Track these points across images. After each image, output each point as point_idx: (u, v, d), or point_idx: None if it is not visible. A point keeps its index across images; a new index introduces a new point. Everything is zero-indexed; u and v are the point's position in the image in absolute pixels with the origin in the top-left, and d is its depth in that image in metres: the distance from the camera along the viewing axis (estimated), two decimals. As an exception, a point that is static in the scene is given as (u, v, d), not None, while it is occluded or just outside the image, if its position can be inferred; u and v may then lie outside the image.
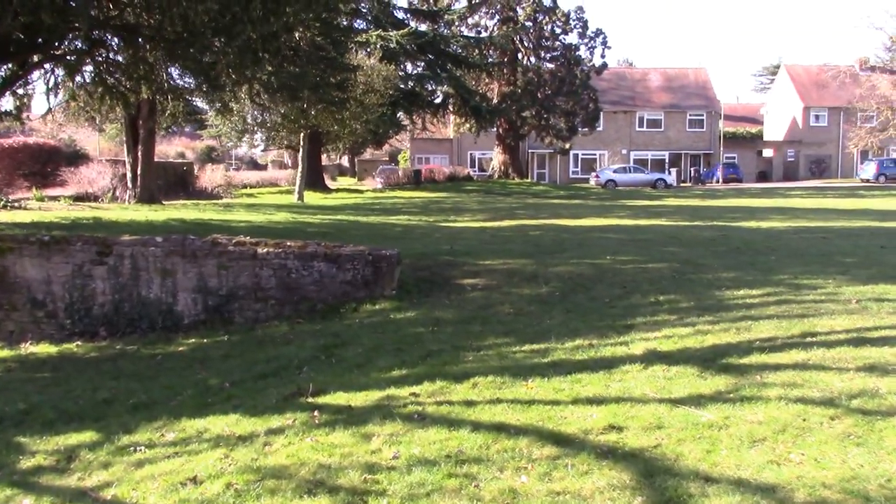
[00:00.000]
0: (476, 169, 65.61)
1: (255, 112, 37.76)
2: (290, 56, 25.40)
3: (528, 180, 57.48)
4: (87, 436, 8.07)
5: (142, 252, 12.95)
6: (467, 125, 52.98)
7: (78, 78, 23.09)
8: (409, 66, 45.13)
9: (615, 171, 57.92)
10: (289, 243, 12.95)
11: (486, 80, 52.29)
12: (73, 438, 8.04)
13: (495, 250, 16.39)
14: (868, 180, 58.63)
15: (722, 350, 8.24)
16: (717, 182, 62.71)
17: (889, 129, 50.52)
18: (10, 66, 20.37)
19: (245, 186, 50.18)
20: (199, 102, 37.70)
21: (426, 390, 7.95)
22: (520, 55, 53.21)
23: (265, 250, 12.80)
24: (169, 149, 70.62)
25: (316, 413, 7.59)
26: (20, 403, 9.52)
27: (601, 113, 56.12)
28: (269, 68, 23.47)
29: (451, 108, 48.26)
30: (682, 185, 61.36)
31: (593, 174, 59.36)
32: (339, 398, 8.10)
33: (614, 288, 12.12)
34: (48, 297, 13.14)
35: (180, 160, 55.20)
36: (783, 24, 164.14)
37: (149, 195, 31.03)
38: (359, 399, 7.96)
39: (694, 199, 38.82)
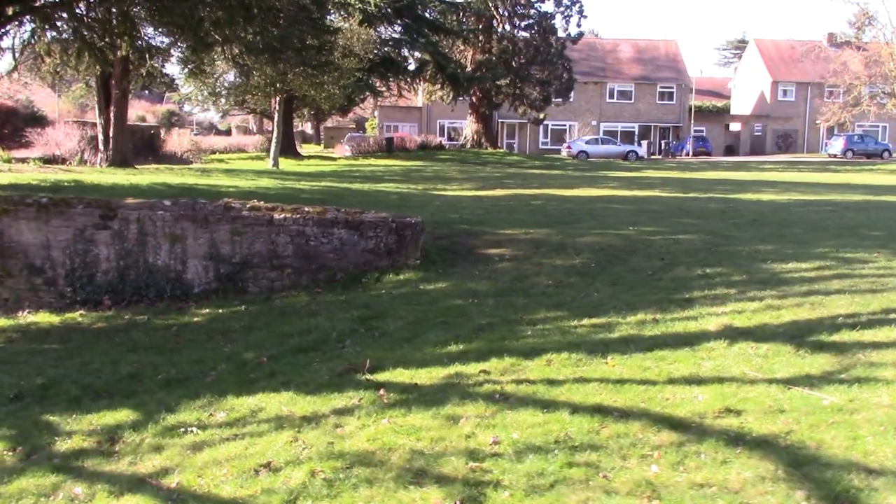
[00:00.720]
0: (446, 138, 64.81)
1: (230, 75, 36.65)
2: (275, 15, 24.48)
3: (502, 150, 56.93)
4: (124, 414, 7.40)
5: (149, 216, 12.16)
6: (440, 93, 52.22)
7: (53, 34, 21.98)
8: (384, 31, 44.15)
9: (587, 143, 57.62)
10: (307, 209, 12.26)
11: (461, 48, 51.42)
12: (109, 417, 7.36)
13: (507, 220, 15.86)
14: (835, 155, 59.03)
15: (805, 327, 7.80)
16: (687, 155, 62.78)
17: (862, 104, 50.76)
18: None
19: (213, 152, 48.89)
20: (170, 64, 36.37)
21: (496, 367, 7.41)
22: (494, 22, 52.36)
23: (282, 216, 12.09)
24: (130, 112, 68.72)
25: (382, 392, 7.00)
26: (37, 378, 8.78)
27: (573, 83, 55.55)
28: (256, 28, 22.53)
29: (426, 75, 47.34)
30: (651, 157, 61.26)
31: (565, 145, 59.02)
32: (399, 375, 7.52)
33: (652, 260, 11.65)
34: (47, 263, 12.30)
35: (144, 124, 53.60)
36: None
37: (121, 158, 29.92)
38: (423, 376, 7.40)
39: (673, 172, 38.62)
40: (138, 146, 39.85)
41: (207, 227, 12.17)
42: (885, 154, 58.63)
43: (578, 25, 53.84)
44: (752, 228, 14.45)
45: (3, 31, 19.83)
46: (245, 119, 74.34)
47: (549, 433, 5.74)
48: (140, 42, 22.60)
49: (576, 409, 6.14)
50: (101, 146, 30.38)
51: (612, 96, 69.57)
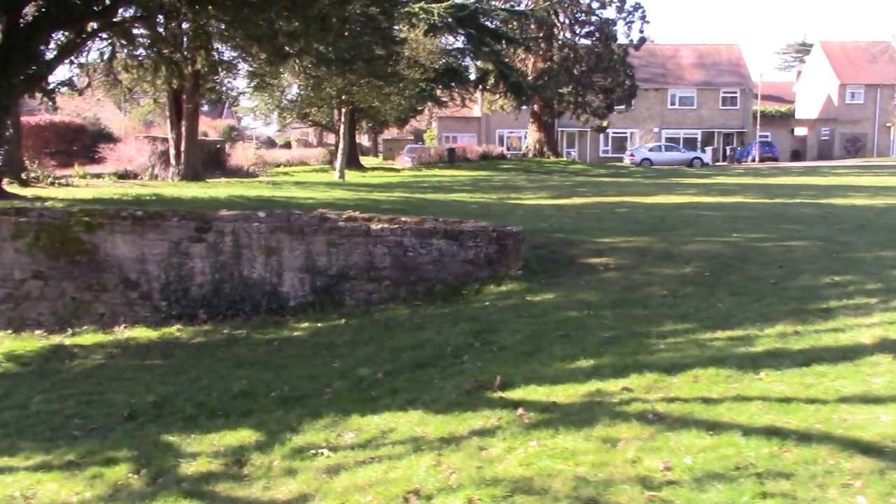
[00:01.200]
0: (504, 147, 64.34)
1: (294, 88, 36.70)
2: (347, 27, 24.32)
3: (564, 159, 56.30)
4: (246, 434, 7.08)
5: (244, 228, 11.92)
6: (501, 102, 51.76)
7: (129, 49, 22.06)
8: (447, 41, 43.97)
9: (651, 150, 56.77)
10: (404, 219, 11.91)
11: (522, 56, 50.98)
12: (230, 437, 7.05)
13: (599, 228, 15.34)
14: (906, 159, 57.16)
15: (973, 338, 7.17)
16: (753, 161, 61.36)
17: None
18: (66, 33, 19.30)
19: (276, 165, 49.08)
20: (236, 79, 36.48)
21: (638, 384, 6.92)
22: (555, 30, 51.83)
23: (379, 226, 11.76)
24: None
25: (521, 411, 6.56)
26: (148, 395, 8.53)
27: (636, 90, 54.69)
28: (330, 39, 22.38)
29: (488, 84, 46.99)
30: (716, 164, 60.07)
31: (628, 153, 58.16)
32: (533, 393, 7.08)
33: (769, 268, 11.05)
34: (142, 277, 12.13)
35: (209, 139, 54.07)
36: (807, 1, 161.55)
37: (193, 173, 30.02)
38: (559, 394, 6.94)
39: (746, 178, 37.61)
40: (205, 160, 39.99)
41: (303, 239, 11.89)
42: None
43: (641, 31, 53.07)
44: (865, 234, 13.73)
45: (82, 48, 19.87)
46: (305, 132, 74.78)
47: (726, 458, 5.25)
48: (213, 56, 22.55)
49: (746, 431, 5.63)
50: (172, 161, 30.51)
51: (673, 103, 68.53)
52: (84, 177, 29.08)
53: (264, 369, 9.50)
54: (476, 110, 68.26)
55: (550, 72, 49.57)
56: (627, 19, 52.61)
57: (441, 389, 7.65)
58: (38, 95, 19.27)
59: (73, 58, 19.59)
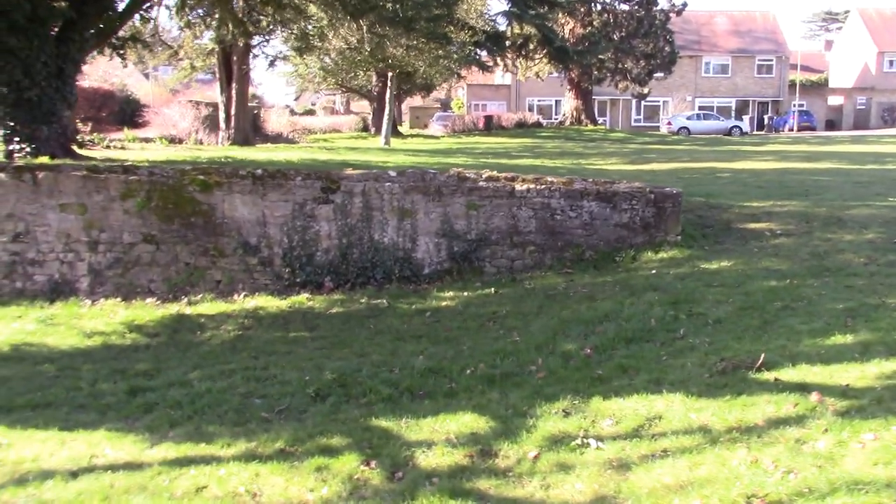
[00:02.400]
0: (536, 115, 62.96)
1: (336, 52, 35.44)
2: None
3: (603, 126, 55.00)
4: (471, 420, 6.16)
5: (375, 188, 10.92)
6: (536, 69, 50.32)
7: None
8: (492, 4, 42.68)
9: (688, 119, 55.45)
10: (550, 178, 10.88)
11: (562, 21, 49.50)
12: (454, 423, 6.12)
13: (728, 192, 14.31)
14: (951, 128, 55.74)
15: None
16: (791, 130, 59.98)
17: None
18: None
19: (310, 132, 47.93)
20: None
21: (936, 365, 5.93)
22: (596, -6, 50.34)
23: (524, 187, 10.75)
24: (216, 94, 68.26)
25: (817, 396, 5.59)
26: (323, 372, 7.57)
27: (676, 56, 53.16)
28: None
29: (532, 49, 45.60)
30: (755, 133, 58.74)
31: (666, 121, 56.87)
32: (811, 374, 6.14)
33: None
34: (263, 241, 11.16)
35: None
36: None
37: (243, 137, 29.04)
38: (843, 376, 6.03)
39: (801, 146, 36.38)
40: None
41: (440, 200, 10.89)
42: None
43: (683, -5, 51.36)
44: None
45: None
46: (331, 100, 73.40)
47: None
48: (282, 12, 21.42)
49: None
50: (222, 124, 29.44)
51: (707, 70, 66.98)
52: (133, 140, 28.08)
53: (433, 343, 8.56)
54: (506, 78, 66.86)
55: (592, 37, 48.11)
56: (669, -17, 50.99)
57: (682, 368, 6.69)
58: (108, 51, 18.16)
59: (142, 11, 18.43)
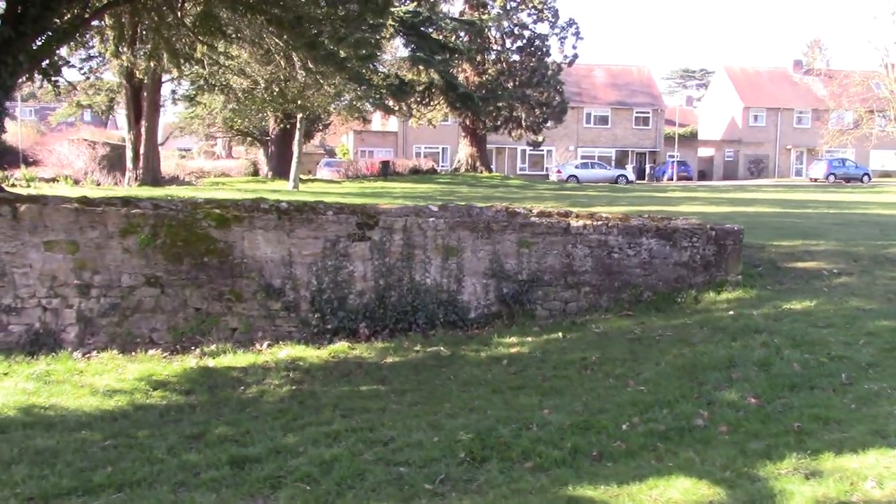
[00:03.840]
0: (422, 162, 62.72)
1: (248, 89, 33.95)
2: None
3: (498, 174, 55.26)
4: (691, 484, 5.25)
5: (418, 224, 9.90)
6: (430, 116, 50.16)
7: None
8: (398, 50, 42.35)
9: (577, 167, 56.77)
10: (605, 214, 10.16)
11: (460, 69, 49.63)
12: (671, 489, 5.25)
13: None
14: (817, 179, 59.15)
15: None
16: (670, 180, 62.17)
17: (862, 126, 50.79)
18: (74, 9, 16.47)
19: (200, 175, 45.81)
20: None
21: None
22: (490, 43, 50.86)
23: (580, 223, 10.00)
24: (102, 133, 64.57)
25: None
26: (460, 433, 6.45)
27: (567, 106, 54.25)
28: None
29: (433, 96, 45.43)
30: (638, 182, 60.49)
31: (555, 169, 57.94)
32: None
33: None
34: (287, 283, 9.90)
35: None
36: (699, 26, 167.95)
37: (152, 177, 27.15)
38: None
39: (699, 192, 37.39)
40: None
41: (489, 238, 9.97)
42: (865, 178, 59.10)
43: (574, 48, 52.56)
44: None
45: (93, 22, 16.98)
46: (210, 144, 70.78)
47: None
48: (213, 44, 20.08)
49: None
50: (129, 163, 27.39)
51: (589, 121, 68.88)
52: (32, 180, 25.69)
53: (543, 395, 7.61)
54: (392, 124, 66.60)
55: (489, 84, 48.48)
56: (560, 35, 52.14)
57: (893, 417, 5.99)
58: (38, 78, 16.33)
59: (79, 34, 16.70)
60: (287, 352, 9.42)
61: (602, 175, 56.17)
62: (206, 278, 9.83)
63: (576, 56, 52.94)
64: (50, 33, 15.50)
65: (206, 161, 62.24)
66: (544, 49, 51.70)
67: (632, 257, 10.10)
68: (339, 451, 6.15)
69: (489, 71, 50.65)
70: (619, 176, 56.34)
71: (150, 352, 9.66)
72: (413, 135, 64.76)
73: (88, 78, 25.89)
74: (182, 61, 20.41)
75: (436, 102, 48.14)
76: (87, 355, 9.55)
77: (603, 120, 69.11)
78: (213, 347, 9.67)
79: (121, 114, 57.84)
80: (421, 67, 41.78)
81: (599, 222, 10.05)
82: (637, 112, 69.43)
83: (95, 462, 6.14)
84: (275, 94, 31.99)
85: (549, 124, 53.88)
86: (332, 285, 9.92)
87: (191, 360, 9.30)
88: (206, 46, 20.23)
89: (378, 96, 36.92)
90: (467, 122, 52.61)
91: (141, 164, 26.87)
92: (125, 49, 19.65)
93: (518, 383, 7.98)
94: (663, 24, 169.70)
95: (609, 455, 5.97)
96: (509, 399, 7.51)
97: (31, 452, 6.38)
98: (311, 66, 24.37)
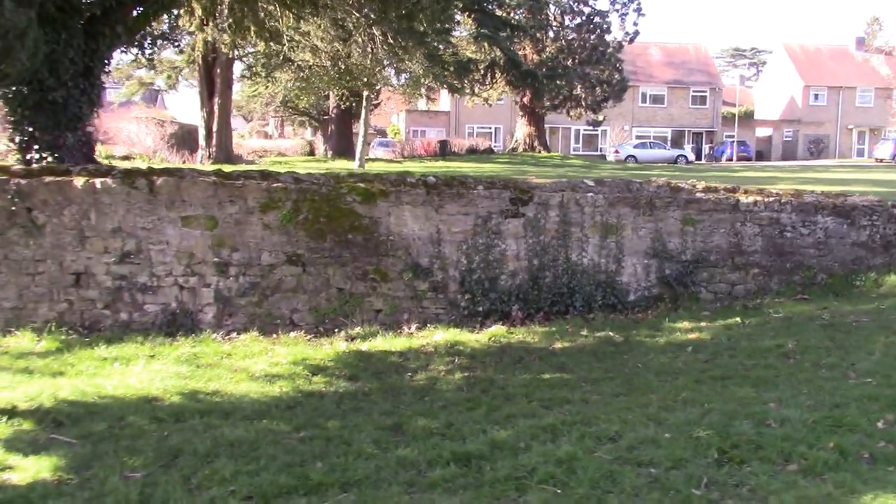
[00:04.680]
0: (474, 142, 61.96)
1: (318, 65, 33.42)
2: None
3: (557, 153, 54.34)
4: None
5: (575, 199, 9.20)
6: (485, 94, 49.28)
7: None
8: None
9: (635, 147, 55.60)
10: (775, 190, 9.40)
11: (519, 48, 48.65)
12: None
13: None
14: (883, 160, 57.40)
15: None
16: (730, 160, 60.80)
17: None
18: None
19: (259, 155, 45.51)
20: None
21: None
22: (550, 20, 49.78)
23: (750, 199, 9.26)
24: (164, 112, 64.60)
25: None
26: (697, 428, 5.78)
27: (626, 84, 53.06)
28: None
29: (497, 73, 44.56)
30: (697, 162, 59.24)
31: (612, 149, 56.79)
32: None
33: None
34: (436, 262, 9.29)
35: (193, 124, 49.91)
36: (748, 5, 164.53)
37: (225, 155, 26.68)
38: None
39: (769, 172, 36.16)
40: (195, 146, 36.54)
41: (652, 215, 9.27)
42: (933, 158, 57.29)
43: (635, 24, 51.29)
44: None
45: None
46: (263, 124, 70.61)
47: None
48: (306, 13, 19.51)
49: None
50: (202, 141, 26.99)
51: (644, 101, 67.55)
52: (108, 158, 25.35)
53: (755, 386, 6.94)
54: (444, 104, 65.87)
55: (551, 62, 47.47)
56: (621, 11, 50.93)
57: None
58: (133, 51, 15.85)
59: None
60: (441, 335, 8.81)
61: (661, 155, 55.00)
62: (349, 256, 9.25)
63: (637, 33, 51.70)
64: (144, 5, 15.01)
65: (260, 140, 62.11)
66: (604, 26, 50.49)
67: (805, 236, 9.35)
68: (569, 448, 5.50)
69: (548, 49, 49.61)
70: (678, 156, 55.14)
71: (292, 334, 9.12)
72: (465, 114, 64.04)
73: (182, 51, 25.21)
74: (268, 35, 19.86)
75: (495, 81, 47.33)
76: (226, 337, 9.02)
77: (659, 99, 67.79)
78: (357, 330, 9.11)
79: (171, 94, 57.75)
80: (485, 45, 40.91)
81: (771, 198, 9.30)
82: (694, 91, 68.00)
83: (300, 456, 5.58)
84: (342, 70, 31.48)
85: (608, 103, 52.82)
86: (482, 265, 9.29)
87: (340, 344, 8.74)
88: (292, 18, 19.66)
89: (446, 74, 36.19)
90: (525, 101, 51.70)
91: (214, 141, 26.40)
92: (209, 22, 19.10)
93: (718, 373, 7.29)
94: (715, 1, 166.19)
95: (883, 458, 5.26)
96: (719, 390, 6.83)
97: (225, 444, 5.82)
98: (391, 41, 23.80)
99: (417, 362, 8.08)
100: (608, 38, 50.49)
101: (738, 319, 8.68)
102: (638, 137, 64.67)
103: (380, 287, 9.30)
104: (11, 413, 6.48)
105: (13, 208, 9.01)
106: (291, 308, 9.30)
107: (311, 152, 51.47)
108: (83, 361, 8.10)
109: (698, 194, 9.36)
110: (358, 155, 34.00)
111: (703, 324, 8.69)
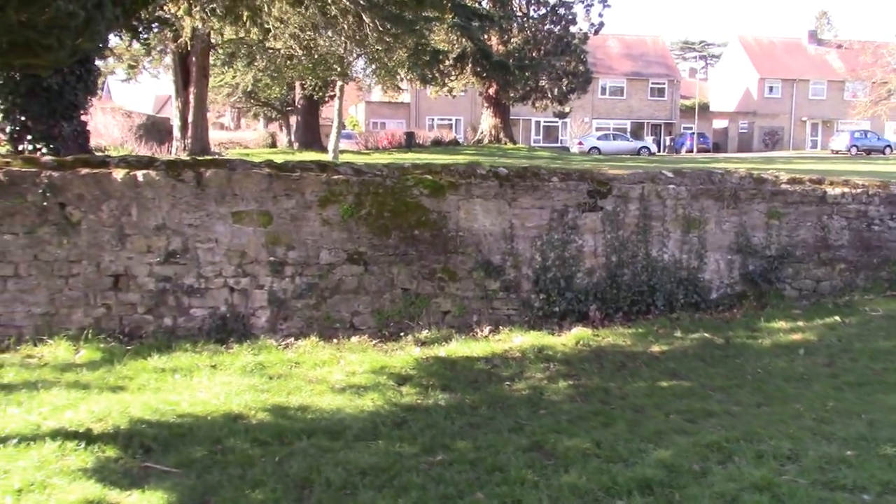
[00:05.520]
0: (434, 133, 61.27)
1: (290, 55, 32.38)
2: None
3: (523, 146, 53.88)
4: None
5: (656, 192, 8.63)
6: (451, 85, 48.64)
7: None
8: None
9: (598, 139, 55.62)
10: (860, 181, 8.94)
11: (487, 38, 48.07)
12: None
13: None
14: (839, 151, 58.23)
15: None
16: (690, 151, 61.15)
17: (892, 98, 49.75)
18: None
19: (226, 147, 44.24)
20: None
21: None
22: (514, 10, 49.28)
23: (837, 191, 8.81)
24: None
25: None
26: (881, 446, 5.24)
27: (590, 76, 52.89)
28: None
29: (466, 64, 43.91)
30: (659, 154, 59.45)
31: (576, 140, 56.67)
32: None
33: None
34: (508, 259, 8.62)
35: (159, 115, 48.29)
36: None
37: (200, 147, 25.58)
38: None
39: (770, 165, 36.18)
40: (163, 139, 35.24)
41: (736, 207, 8.75)
42: (888, 150, 58.27)
43: (600, 15, 51.20)
44: None
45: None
46: (218, 115, 68.76)
47: None
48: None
49: None
50: (176, 132, 25.88)
51: (604, 93, 67.58)
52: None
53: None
54: (404, 95, 65.00)
55: (518, 53, 47.00)
56: (587, 2, 50.69)
57: None
58: (126, 37, 14.87)
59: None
60: (522, 339, 8.16)
61: (625, 147, 55.11)
62: (415, 254, 8.54)
63: (602, 24, 51.60)
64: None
65: (219, 132, 60.48)
66: (569, 17, 50.19)
67: (893, 230, 8.91)
68: (758, 471, 4.91)
69: (514, 40, 49.14)
70: (641, 147, 55.30)
71: (354, 338, 8.38)
72: (426, 106, 63.37)
73: (148, 41, 24.03)
74: (261, 21, 18.92)
75: (463, 72, 46.71)
76: (283, 342, 8.25)
77: (618, 91, 67.91)
78: (425, 333, 8.42)
79: (121, 85, 56.00)
80: (454, 36, 40.27)
81: (858, 190, 8.87)
82: (653, 83, 68.24)
83: (454, 486, 4.89)
84: (315, 60, 30.51)
85: (574, 95, 52.56)
86: (558, 262, 8.66)
87: (413, 349, 8.03)
88: (286, 4, 18.75)
89: (420, 63, 35.45)
90: (490, 93, 51.15)
91: (189, 132, 25.28)
92: (198, 8, 18.05)
93: (851, 378, 6.80)
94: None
95: None
96: (865, 397, 6.33)
97: (357, 472, 5.10)
98: (380, 28, 22.97)
99: (509, 370, 7.42)
100: (573, 29, 50.17)
101: (837, 318, 8.22)
102: (598, 129, 64.69)
103: (448, 287, 8.61)
104: (88, 438, 5.66)
105: (45, 204, 8.11)
106: (352, 311, 8.56)
107: (273, 144, 50.31)
108: (139, 374, 7.27)
109: (784, 186, 8.86)
110: (332, 146, 32.99)
111: (800, 323, 8.20)
